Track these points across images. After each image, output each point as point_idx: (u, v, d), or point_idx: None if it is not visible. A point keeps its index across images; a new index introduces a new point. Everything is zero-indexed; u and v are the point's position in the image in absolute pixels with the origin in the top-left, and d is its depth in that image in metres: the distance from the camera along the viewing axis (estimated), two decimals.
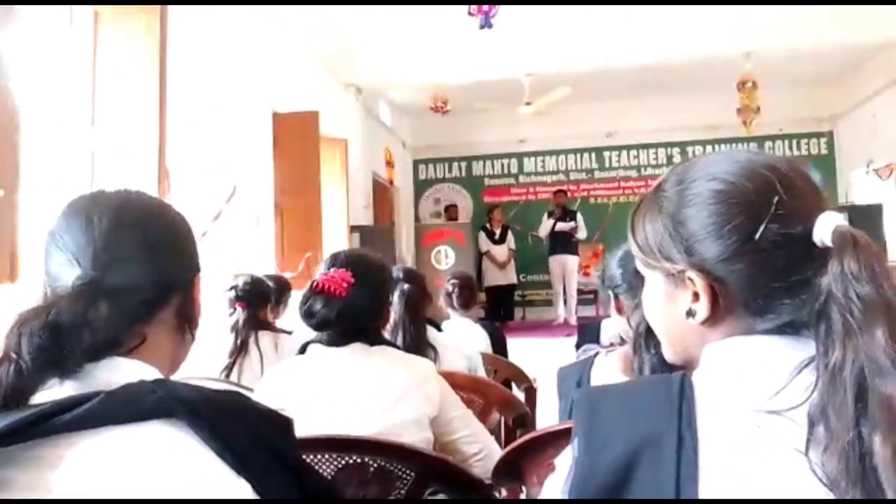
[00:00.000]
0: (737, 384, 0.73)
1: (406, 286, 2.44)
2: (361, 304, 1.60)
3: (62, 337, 0.77)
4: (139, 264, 0.86)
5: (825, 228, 0.70)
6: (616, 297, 1.68)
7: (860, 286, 0.66)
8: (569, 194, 10.07)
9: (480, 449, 1.70)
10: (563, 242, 9.32)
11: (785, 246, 0.72)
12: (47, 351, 0.75)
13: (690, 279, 0.77)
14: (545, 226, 9.46)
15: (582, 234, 9.36)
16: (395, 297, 2.40)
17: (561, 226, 9.34)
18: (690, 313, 0.78)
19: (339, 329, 1.62)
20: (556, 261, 9.38)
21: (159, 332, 0.89)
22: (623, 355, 1.62)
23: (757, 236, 0.72)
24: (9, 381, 0.74)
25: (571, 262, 9.24)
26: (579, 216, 9.46)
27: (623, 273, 1.64)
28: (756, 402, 0.70)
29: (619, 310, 1.69)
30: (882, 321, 0.65)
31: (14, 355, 0.75)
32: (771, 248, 0.72)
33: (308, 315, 1.60)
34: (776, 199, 0.72)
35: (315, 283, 1.60)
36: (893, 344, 0.64)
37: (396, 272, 2.48)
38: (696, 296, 0.78)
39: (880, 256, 0.68)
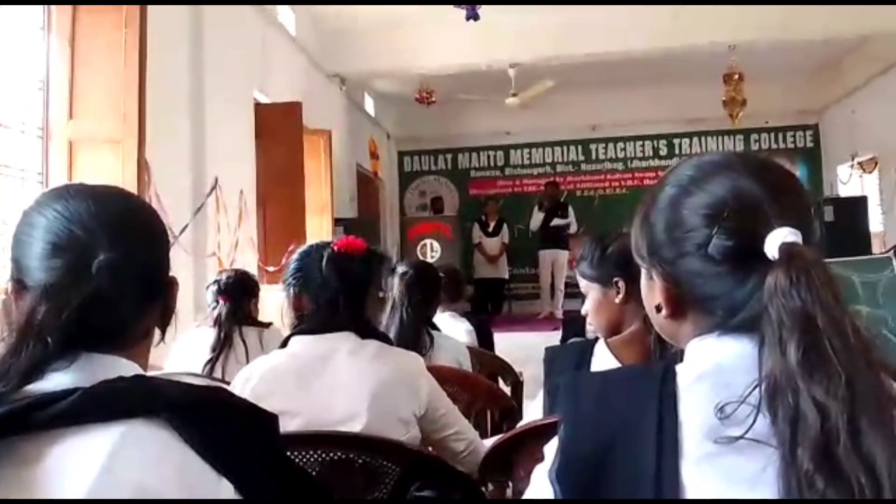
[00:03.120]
0: (698, 398, 0.74)
1: (410, 272, 2.46)
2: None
3: (94, 314, 0.76)
4: (147, 252, 0.86)
5: (773, 244, 0.72)
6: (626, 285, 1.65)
7: (787, 301, 0.68)
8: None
9: (467, 446, 1.68)
10: (554, 237, 9.23)
11: (734, 257, 0.74)
12: (79, 326, 0.75)
13: (653, 277, 0.83)
14: (536, 219, 9.38)
15: (573, 227, 9.26)
16: (395, 282, 2.42)
17: (557, 222, 9.26)
18: (658, 308, 0.83)
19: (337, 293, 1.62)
20: (547, 255, 9.27)
21: (151, 328, 0.89)
22: (624, 341, 1.60)
23: (709, 247, 0.75)
24: (34, 357, 0.74)
25: (562, 256, 9.12)
26: (570, 209, 9.37)
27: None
28: (710, 423, 0.71)
29: (626, 299, 1.66)
30: (797, 337, 0.67)
31: (40, 330, 0.74)
32: (721, 258, 0.75)
33: (353, 275, 1.61)
34: (726, 213, 0.75)
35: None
36: (808, 358, 0.66)
37: (405, 262, 2.56)
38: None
39: (819, 275, 0.69)
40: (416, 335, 2.36)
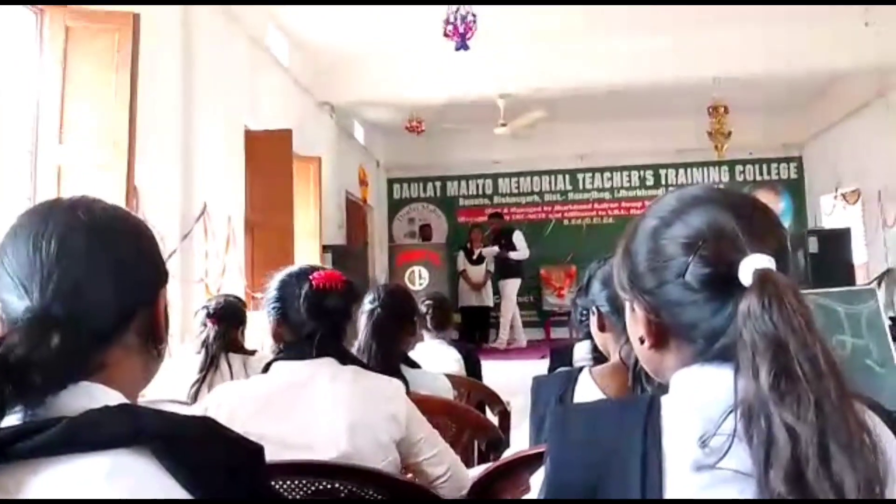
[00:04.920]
0: (682, 427, 0.75)
1: (378, 309, 2.28)
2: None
3: (13, 374, 0.73)
4: (92, 290, 0.81)
5: (747, 270, 0.74)
6: (600, 314, 1.66)
7: (759, 325, 0.70)
8: (505, 217, 9.95)
9: (446, 470, 1.67)
10: (499, 267, 9.29)
11: (711, 284, 0.77)
12: (23, 371, 0.73)
13: (635, 308, 0.85)
14: (485, 251, 9.47)
15: (517, 254, 9.23)
16: (363, 319, 2.27)
17: (486, 251, 9.34)
18: (642, 340, 0.85)
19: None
20: (500, 286, 9.38)
21: (122, 355, 0.84)
22: (607, 371, 1.61)
23: (686, 275, 0.77)
24: None
25: (509, 285, 9.17)
26: (516, 236, 9.35)
27: (607, 292, 1.63)
28: (694, 453, 0.72)
29: (602, 327, 1.67)
30: (769, 361, 0.69)
31: None
32: (698, 285, 0.77)
33: (329, 312, 1.62)
34: (701, 242, 0.77)
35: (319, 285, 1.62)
36: (779, 382, 0.68)
37: (375, 290, 2.36)
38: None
39: (791, 300, 0.71)
40: (388, 368, 2.16)
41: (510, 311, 9.20)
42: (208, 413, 1.54)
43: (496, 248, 9.22)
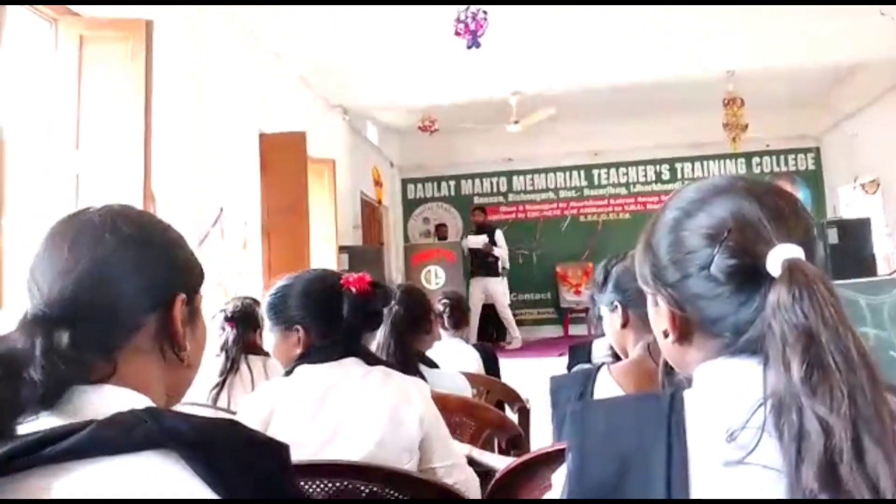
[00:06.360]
0: (707, 422, 0.74)
1: (396, 307, 2.30)
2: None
3: (11, 371, 0.74)
4: (94, 292, 0.83)
5: (775, 260, 0.72)
6: (624, 310, 1.65)
7: (789, 317, 0.68)
8: (488, 213, 9.68)
9: (455, 481, 1.66)
10: (482, 263, 8.94)
11: (737, 276, 0.75)
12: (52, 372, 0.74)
13: (659, 303, 0.83)
14: (472, 239, 9.18)
15: (500, 251, 8.94)
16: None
17: (473, 240, 9.00)
18: (665, 334, 0.83)
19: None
20: (476, 284, 8.98)
21: (134, 357, 0.85)
22: (626, 368, 1.60)
23: (711, 267, 0.76)
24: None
25: (493, 284, 8.88)
26: (498, 235, 9.06)
27: (630, 288, 1.62)
28: (721, 448, 0.71)
29: (626, 324, 1.66)
30: (800, 353, 0.67)
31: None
32: (724, 277, 0.75)
33: (374, 314, 1.64)
34: (727, 232, 0.75)
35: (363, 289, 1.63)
36: (811, 375, 0.66)
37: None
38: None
39: (821, 290, 0.69)
40: (406, 368, 2.21)
41: (507, 309, 8.99)
42: (243, 417, 1.55)
43: (485, 238, 8.93)
